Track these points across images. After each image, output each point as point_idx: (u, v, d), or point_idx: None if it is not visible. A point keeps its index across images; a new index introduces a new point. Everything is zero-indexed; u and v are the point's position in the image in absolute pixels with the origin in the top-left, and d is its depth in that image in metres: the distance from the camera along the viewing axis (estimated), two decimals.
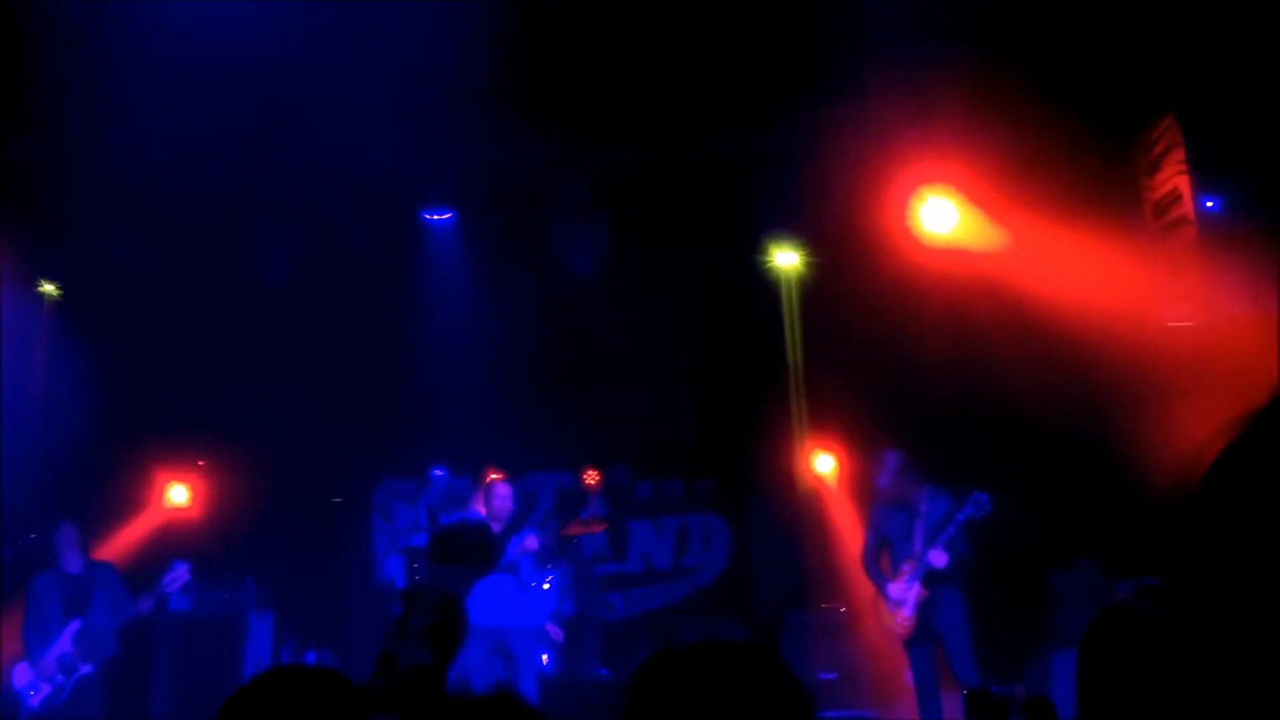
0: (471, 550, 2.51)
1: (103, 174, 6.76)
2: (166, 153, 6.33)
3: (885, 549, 6.15)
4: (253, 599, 7.53)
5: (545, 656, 7.34)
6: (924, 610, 5.89)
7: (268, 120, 6.31)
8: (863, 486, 8.04)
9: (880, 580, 6.12)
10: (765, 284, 8.17)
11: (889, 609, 6.06)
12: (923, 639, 5.93)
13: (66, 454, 7.32)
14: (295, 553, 7.97)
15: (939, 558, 5.81)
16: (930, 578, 5.87)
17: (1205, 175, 6.60)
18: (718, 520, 9.09)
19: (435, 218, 8.19)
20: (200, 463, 8.29)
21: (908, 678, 7.10)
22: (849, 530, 8.06)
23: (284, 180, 7.33)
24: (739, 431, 8.40)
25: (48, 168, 6.69)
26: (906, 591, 5.94)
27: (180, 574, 6.33)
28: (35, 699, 5.97)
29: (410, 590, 2.38)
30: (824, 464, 8.32)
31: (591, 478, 8.44)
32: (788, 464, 8.30)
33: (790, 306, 8.16)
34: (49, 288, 7.90)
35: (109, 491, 7.65)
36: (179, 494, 8.08)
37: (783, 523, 8.34)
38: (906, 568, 5.96)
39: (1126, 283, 6.52)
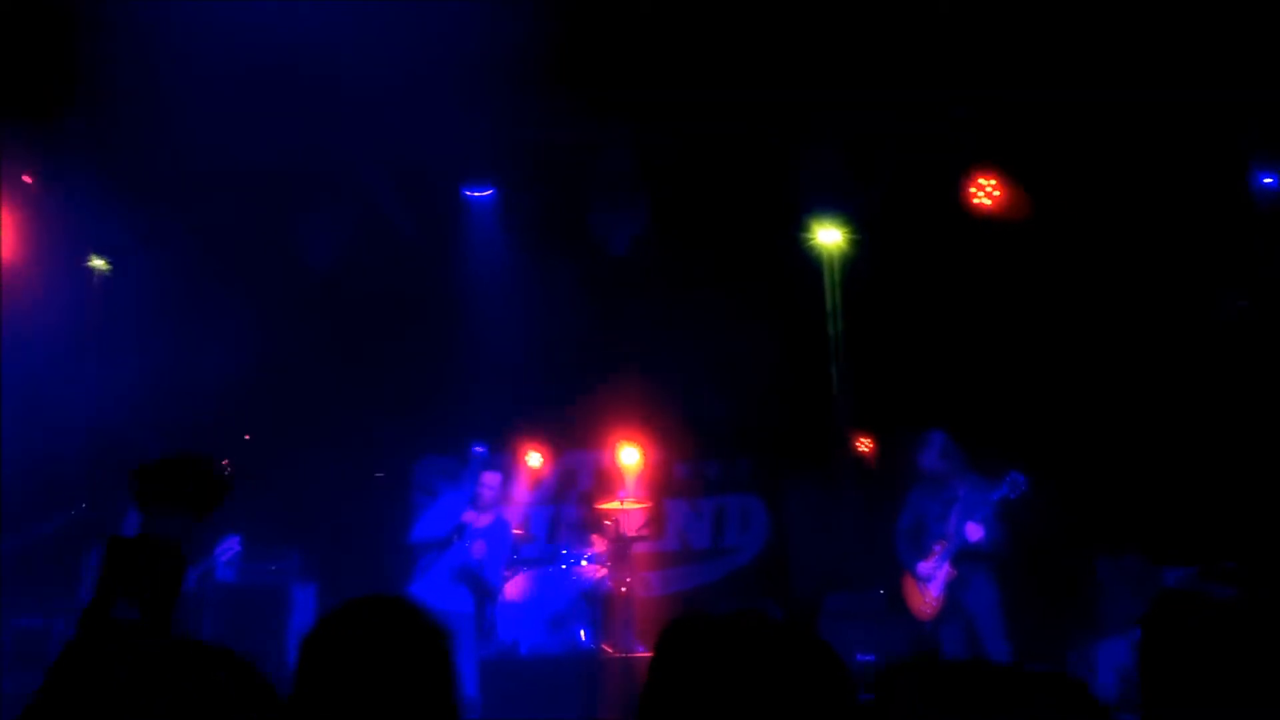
0: (191, 490, 2.09)
1: (150, 153, 6.85)
2: (213, 132, 6.40)
3: (920, 530, 6.11)
4: (297, 570, 7.66)
5: (583, 632, 7.39)
6: (953, 590, 5.87)
7: (311, 99, 6.35)
8: (903, 468, 7.96)
9: (909, 558, 6.09)
10: (807, 262, 8.09)
11: (917, 587, 6.05)
12: (952, 619, 5.91)
13: (116, 427, 7.47)
14: (338, 526, 8.09)
15: (975, 531, 5.77)
16: (960, 557, 5.83)
17: (1263, 151, 6.41)
18: (756, 501, 9.06)
19: (476, 194, 8.21)
20: (246, 437, 8.42)
21: None
22: (889, 513, 7.98)
23: (326, 158, 7.38)
24: (779, 412, 8.35)
25: (98, 146, 6.79)
26: (936, 570, 5.92)
27: (231, 546, 6.46)
28: None
29: (117, 540, 2.03)
30: (863, 445, 8.24)
31: (630, 456, 8.45)
32: (828, 445, 8.24)
33: (832, 285, 8.07)
34: (99, 262, 8.04)
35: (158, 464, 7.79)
36: (228, 467, 8.21)
37: (822, 504, 8.28)
38: (938, 547, 5.94)
39: (1181, 264, 6.36)
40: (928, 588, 5.96)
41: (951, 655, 5.92)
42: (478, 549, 6.44)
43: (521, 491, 8.41)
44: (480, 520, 6.46)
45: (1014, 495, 5.75)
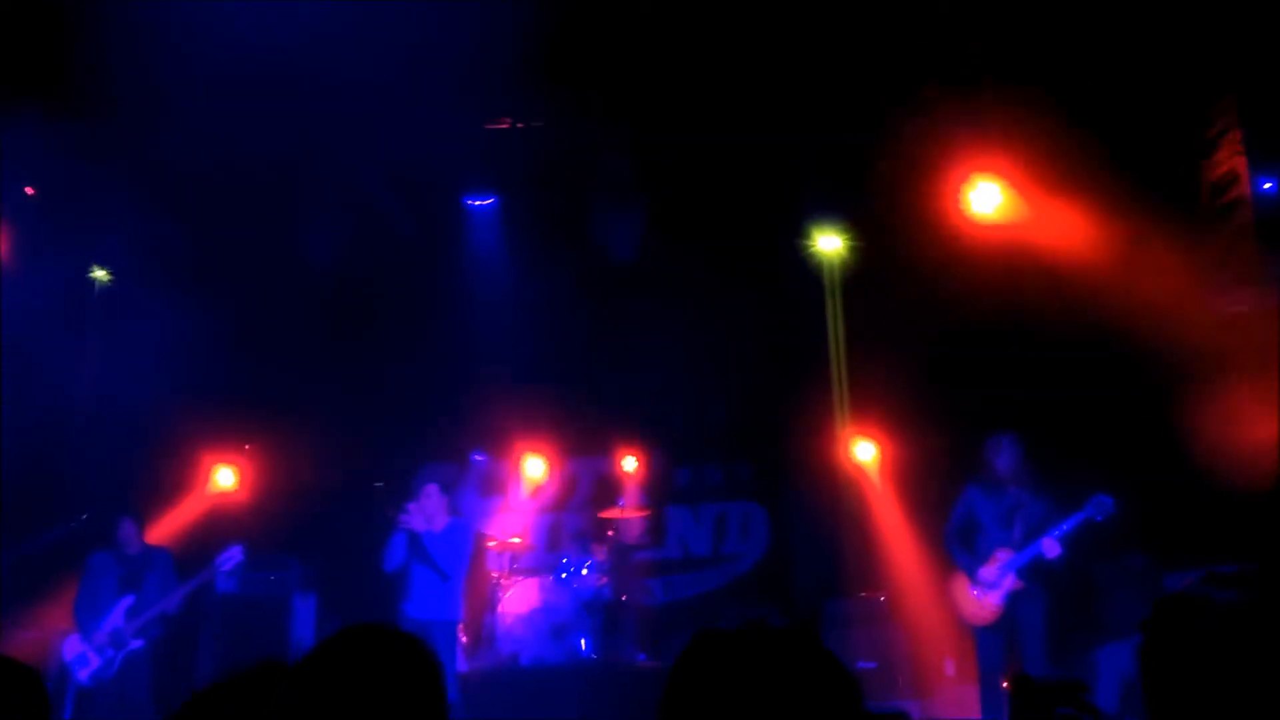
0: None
1: (151, 160, 6.86)
2: (215, 139, 6.42)
3: (972, 529, 6.08)
4: (297, 580, 7.64)
5: (584, 641, 7.37)
6: (1012, 601, 5.84)
7: (313, 107, 6.36)
8: (905, 474, 7.96)
9: (968, 561, 6.02)
10: (807, 268, 8.10)
11: (973, 592, 5.97)
12: (998, 629, 5.88)
13: (118, 437, 7.47)
14: (338, 535, 8.07)
15: (1053, 548, 5.73)
16: (1027, 570, 5.81)
17: (1262, 156, 6.41)
18: (757, 508, 9.05)
19: (477, 203, 8.23)
20: (246, 446, 8.42)
21: (948, 667, 7.02)
22: (889, 519, 7.98)
23: (329, 166, 7.39)
24: (779, 419, 8.34)
25: (98, 152, 6.80)
26: (1000, 578, 5.87)
27: (233, 555, 6.45)
28: (84, 672, 6.10)
29: None
30: (865, 452, 8.24)
31: (630, 464, 8.44)
32: (828, 452, 8.23)
33: (832, 291, 8.08)
34: (99, 273, 8.06)
35: (159, 474, 7.80)
36: (226, 477, 8.22)
37: (822, 511, 8.27)
38: (1002, 555, 5.89)
39: (1181, 267, 6.36)
40: (988, 595, 5.92)
41: (988, 663, 5.90)
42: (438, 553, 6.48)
43: (521, 499, 8.41)
44: (432, 526, 6.48)
45: (1100, 518, 5.72)
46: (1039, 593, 5.84)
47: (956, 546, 6.11)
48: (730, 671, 1.21)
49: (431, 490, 6.55)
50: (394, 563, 6.37)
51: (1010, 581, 5.85)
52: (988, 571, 5.92)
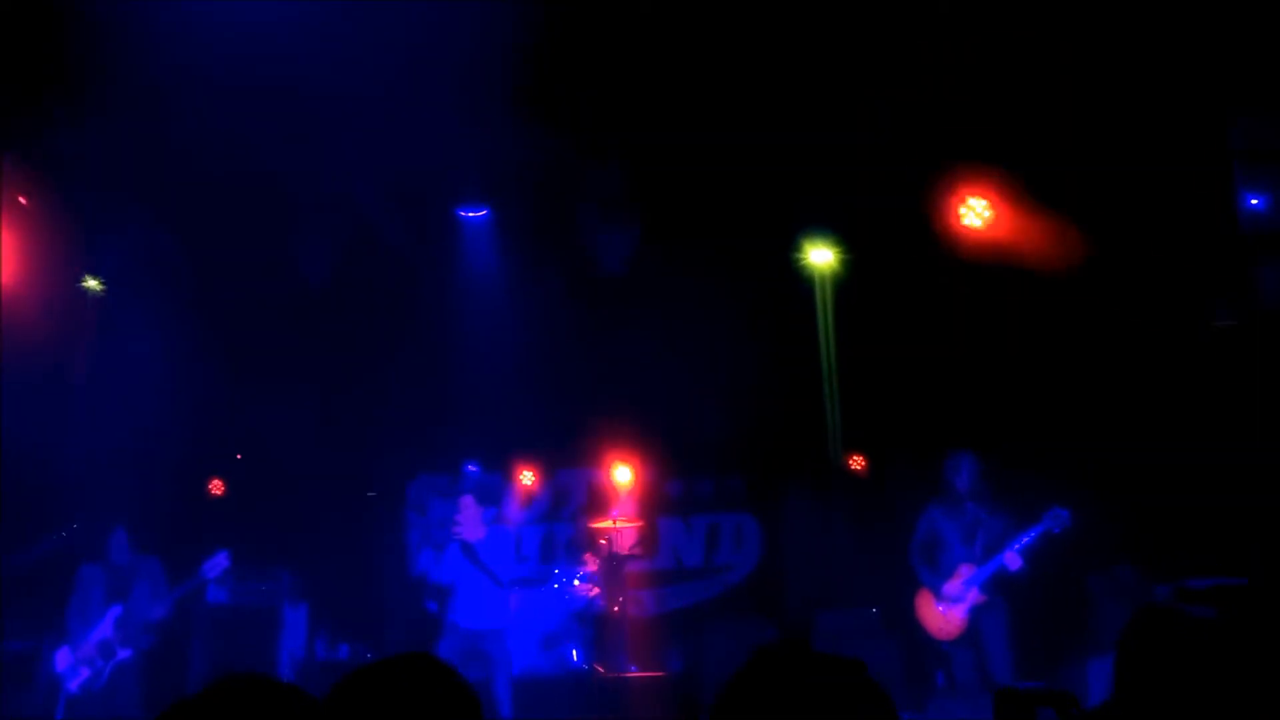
0: None
1: (146, 170, 6.87)
2: (208, 150, 6.43)
3: (935, 545, 6.17)
4: (288, 590, 7.63)
5: (575, 652, 7.37)
6: (975, 614, 5.95)
7: (306, 118, 6.38)
8: (894, 486, 7.97)
9: (932, 578, 6.12)
10: (798, 280, 8.12)
11: (938, 607, 6.07)
12: (967, 642, 5.98)
13: (109, 446, 7.46)
14: (330, 545, 8.06)
15: (1014, 560, 5.86)
16: (990, 583, 5.92)
17: (1250, 172, 6.46)
18: (749, 519, 9.06)
19: (470, 214, 8.25)
20: (238, 456, 8.41)
21: (940, 679, 7.04)
22: (881, 531, 7.99)
23: (321, 175, 7.40)
24: (772, 430, 8.36)
25: (92, 163, 6.80)
26: (964, 593, 5.99)
27: (220, 562, 6.43)
28: (74, 683, 6.09)
29: None
30: (855, 463, 8.26)
31: (623, 475, 8.45)
32: (820, 463, 8.24)
33: (824, 302, 8.11)
34: (93, 283, 8.05)
35: (149, 483, 7.78)
36: (218, 486, 8.21)
37: (815, 522, 8.28)
38: (965, 570, 6.00)
39: (1169, 282, 6.40)
40: (953, 609, 6.04)
41: (966, 677, 6.00)
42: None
43: (514, 510, 8.41)
44: (478, 535, 6.48)
45: (1057, 530, 5.83)
46: (1001, 604, 5.97)
47: (917, 561, 6.22)
48: (791, 693, 1.24)
49: (468, 502, 6.56)
50: (452, 574, 6.33)
51: (974, 596, 5.98)
52: (951, 587, 6.04)
